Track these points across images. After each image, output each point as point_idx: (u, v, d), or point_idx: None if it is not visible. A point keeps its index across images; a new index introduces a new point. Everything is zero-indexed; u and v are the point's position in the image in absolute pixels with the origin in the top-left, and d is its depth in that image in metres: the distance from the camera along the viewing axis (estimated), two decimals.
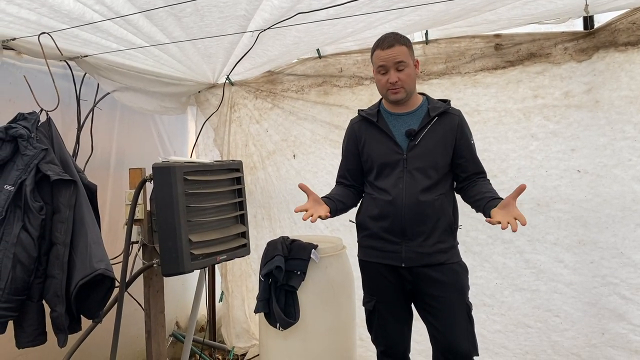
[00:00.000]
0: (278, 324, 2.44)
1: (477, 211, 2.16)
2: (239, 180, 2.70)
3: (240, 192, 2.70)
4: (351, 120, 2.43)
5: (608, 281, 2.74)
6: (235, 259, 2.76)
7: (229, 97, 3.70)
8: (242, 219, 2.72)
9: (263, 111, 3.66)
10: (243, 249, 2.67)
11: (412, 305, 2.36)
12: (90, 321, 2.36)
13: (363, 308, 2.43)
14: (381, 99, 2.35)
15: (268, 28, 2.52)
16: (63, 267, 2.12)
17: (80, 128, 2.98)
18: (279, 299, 2.46)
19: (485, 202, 2.07)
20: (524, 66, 2.88)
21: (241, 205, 2.71)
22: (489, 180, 2.28)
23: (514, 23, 2.76)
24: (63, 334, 2.16)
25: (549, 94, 2.85)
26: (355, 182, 2.41)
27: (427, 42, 3.08)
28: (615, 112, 2.70)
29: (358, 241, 2.42)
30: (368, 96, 3.29)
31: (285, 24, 2.46)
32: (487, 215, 2.00)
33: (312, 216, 2.06)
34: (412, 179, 2.18)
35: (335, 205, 2.28)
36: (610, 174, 2.72)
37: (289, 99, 3.56)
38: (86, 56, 2.79)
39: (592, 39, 2.75)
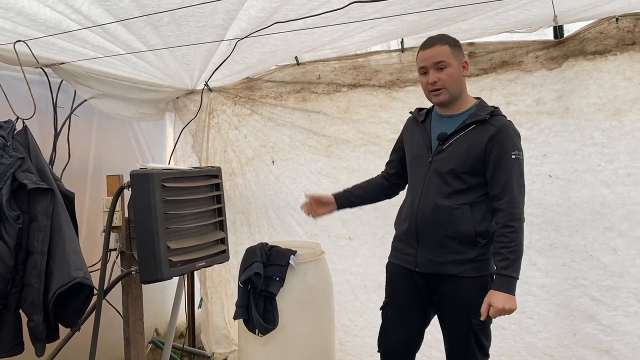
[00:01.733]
0: (257, 330, 2.46)
1: None
2: (218, 187, 2.71)
3: (219, 199, 2.71)
4: (409, 116, 2.42)
5: (579, 283, 2.81)
6: (215, 265, 2.77)
7: (208, 103, 3.71)
8: (221, 225, 2.73)
9: (242, 117, 3.68)
10: (222, 255, 2.68)
11: (430, 316, 2.29)
12: (68, 329, 2.35)
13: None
14: None
15: (245, 37, 2.54)
16: (40, 276, 2.11)
17: (57, 135, 2.96)
18: (258, 305, 2.48)
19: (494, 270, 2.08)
20: (497, 74, 2.95)
21: (220, 212, 2.72)
22: (509, 225, 2.02)
23: (487, 32, 2.83)
24: (41, 343, 2.15)
25: (521, 101, 2.92)
26: (394, 172, 2.43)
27: (403, 50, 3.13)
28: (585, 119, 2.78)
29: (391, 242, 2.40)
30: (346, 103, 3.34)
31: (263, 32, 2.48)
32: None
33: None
34: (431, 184, 2.13)
35: (345, 199, 2.45)
36: (580, 178, 2.80)
37: (268, 105, 3.58)
38: (63, 63, 2.77)
39: (562, 47, 2.83)
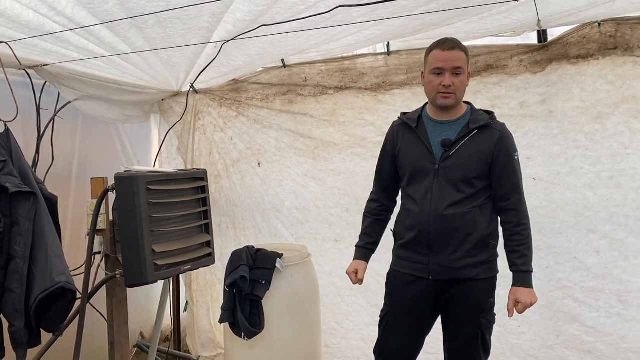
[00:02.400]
0: (243, 334, 2.46)
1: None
2: (204, 189, 2.70)
3: (204, 201, 2.70)
4: (393, 122, 2.38)
5: (562, 285, 2.85)
6: (200, 268, 2.76)
7: (193, 105, 3.69)
8: (207, 228, 2.71)
9: (227, 119, 3.67)
10: (208, 259, 2.67)
11: (434, 320, 2.32)
12: (51, 334, 2.32)
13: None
14: (425, 104, 2.29)
15: (231, 39, 2.54)
16: (22, 281, 2.08)
17: (40, 138, 2.93)
18: (244, 309, 2.48)
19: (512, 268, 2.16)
20: (481, 77, 2.97)
21: (206, 215, 2.70)
22: (521, 223, 2.15)
23: (472, 36, 2.85)
24: (22, 348, 2.12)
25: (505, 104, 2.95)
26: (391, 187, 2.38)
27: (389, 53, 3.14)
28: (568, 122, 2.82)
29: (393, 250, 2.37)
30: (332, 105, 3.34)
31: (249, 35, 2.48)
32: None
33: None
34: (442, 191, 2.12)
35: (372, 252, 2.45)
36: (564, 181, 2.83)
37: (254, 108, 3.58)
38: (46, 65, 2.74)
39: (545, 51, 2.86)
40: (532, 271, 2.14)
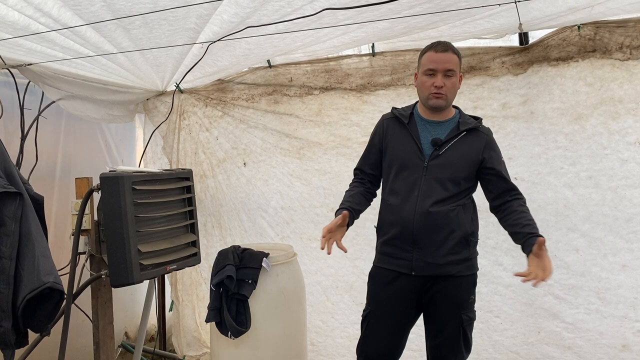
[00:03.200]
0: (229, 333, 2.47)
1: (515, 243, 2.16)
2: (189, 189, 2.70)
3: (190, 201, 2.70)
4: (383, 115, 2.40)
5: (543, 282, 2.90)
6: (186, 268, 2.76)
7: (178, 105, 3.69)
8: (193, 228, 2.72)
9: (213, 119, 3.67)
10: (193, 258, 2.67)
11: (416, 317, 2.34)
12: (37, 334, 2.31)
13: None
14: (416, 103, 2.33)
15: (217, 40, 2.55)
16: (9, 281, 2.07)
17: (24, 137, 2.91)
18: (230, 308, 2.49)
19: (524, 238, 2.08)
20: (464, 78, 3.01)
21: (191, 214, 2.71)
22: (523, 199, 2.25)
23: (455, 39, 2.89)
24: (9, 349, 2.11)
25: (487, 105, 3.00)
26: (373, 172, 2.37)
27: (373, 54, 3.18)
28: (549, 123, 2.88)
29: (375, 248, 2.38)
30: (317, 105, 3.37)
31: (235, 36, 2.49)
32: (526, 252, 2.06)
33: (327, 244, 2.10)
34: (429, 188, 2.16)
35: (354, 217, 2.25)
36: (544, 181, 2.89)
37: (240, 107, 3.59)
38: (30, 64, 2.73)
39: (527, 53, 2.92)
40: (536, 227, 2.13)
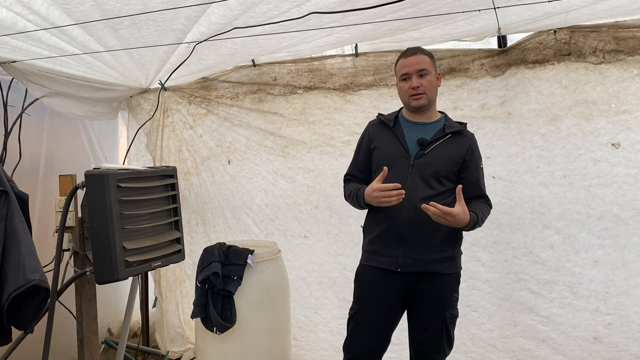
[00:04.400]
0: (215, 328, 2.51)
1: None
2: (174, 187, 2.72)
3: (174, 199, 2.72)
4: (370, 122, 2.48)
5: (519, 277, 3.00)
6: (170, 264, 2.78)
7: (162, 103, 3.69)
8: (177, 225, 2.74)
9: (197, 117, 3.69)
10: (178, 255, 2.69)
11: (401, 315, 2.38)
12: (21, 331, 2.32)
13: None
14: (401, 108, 2.41)
15: (204, 40, 2.57)
16: None
17: (7, 135, 2.90)
18: (216, 304, 2.53)
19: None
20: (445, 80, 3.08)
21: (175, 212, 2.72)
22: (489, 204, 2.35)
23: (436, 40, 2.96)
24: None
25: (467, 106, 3.07)
26: (362, 176, 2.44)
27: (356, 54, 3.23)
28: (525, 124, 2.96)
29: (362, 247, 2.43)
30: (301, 104, 3.41)
31: (222, 37, 2.52)
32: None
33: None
34: (415, 186, 2.22)
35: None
36: (521, 179, 2.98)
37: (224, 106, 3.61)
38: (14, 62, 2.72)
39: (505, 56, 3.00)
40: (478, 221, 2.20)
